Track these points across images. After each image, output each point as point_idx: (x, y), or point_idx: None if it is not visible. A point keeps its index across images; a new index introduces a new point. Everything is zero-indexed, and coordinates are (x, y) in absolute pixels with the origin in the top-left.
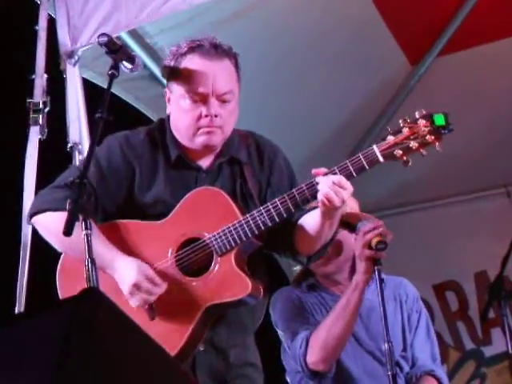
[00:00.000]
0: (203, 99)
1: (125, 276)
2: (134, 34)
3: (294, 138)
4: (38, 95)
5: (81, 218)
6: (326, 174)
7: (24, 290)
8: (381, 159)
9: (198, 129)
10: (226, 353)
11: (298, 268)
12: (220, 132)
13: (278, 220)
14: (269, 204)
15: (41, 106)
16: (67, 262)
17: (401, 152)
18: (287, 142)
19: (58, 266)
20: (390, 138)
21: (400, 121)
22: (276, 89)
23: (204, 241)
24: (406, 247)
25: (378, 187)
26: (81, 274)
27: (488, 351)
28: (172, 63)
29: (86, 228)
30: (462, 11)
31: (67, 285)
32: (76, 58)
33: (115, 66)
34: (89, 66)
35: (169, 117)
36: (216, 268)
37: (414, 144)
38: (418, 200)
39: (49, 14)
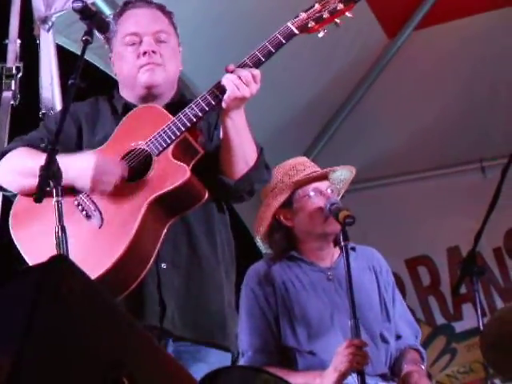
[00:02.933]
0: (139, 39)
1: (84, 174)
2: (108, 0)
3: (268, 109)
4: (11, 60)
5: (51, 184)
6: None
7: None
8: (296, 31)
9: (140, 68)
10: (188, 273)
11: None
12: (161, 70)
13: (207, 109)
14: (198, 98)
15: (14, 71)
16: (20, 208)
17: (314, 23)
18: (261, 112)
19: (11, 216)
20: (303, 14)
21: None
22: None
23: (140, 147)
24: (379, 221)
25: (351, 161)
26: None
27: (459, 327)
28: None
29: (57, 195)
30: None
31: (25, 233)
32: (50, 23)
33: (89, 33)
34: (63, 32)
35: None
36: (155, 166)
37: (326, 14)
38: (391, 174)
39: None
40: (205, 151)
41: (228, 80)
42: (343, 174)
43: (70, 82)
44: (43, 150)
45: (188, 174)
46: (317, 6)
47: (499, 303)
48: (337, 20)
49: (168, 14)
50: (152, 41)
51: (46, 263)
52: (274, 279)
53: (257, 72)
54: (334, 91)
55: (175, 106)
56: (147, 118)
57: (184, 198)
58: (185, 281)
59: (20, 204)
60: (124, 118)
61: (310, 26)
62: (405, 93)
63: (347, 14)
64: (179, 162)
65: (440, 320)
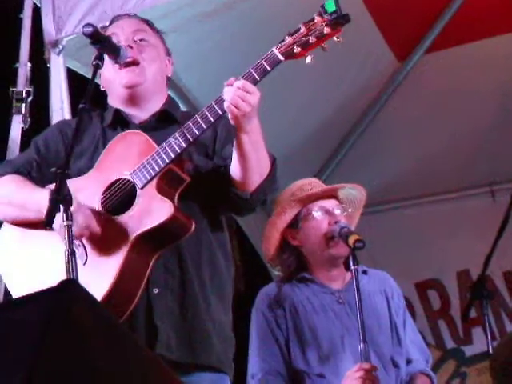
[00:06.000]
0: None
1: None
2: None
3: (279, 133)
4: (22, 84)
5: (61, 208)
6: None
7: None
8: (281, 58)
9: (119, 69)
10: (182, 296)
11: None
12: (139, 71)
13: (191, 139)
14: (182, 128)
15: (24, 95)
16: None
17: (300, 49)
18: (273, 134)
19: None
20: (289, 39)
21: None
22: (261, 83)
23: (125, 178)
24: (389, 245)
25: (361, 184)
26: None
27: (469, 351)
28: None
29: (67, 219)
30: (450, 8)
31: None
32: (60, 47)
33: (100, 57)
34: (73, 56)
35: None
36: (140, 200)
37: (312, 39)
38: (401, 198)
39: (34, 3)
40: (204, 171)
41: (227, 103)
42: (352, 193)
43: (80, 107)
44: (30, 178)
45: (172, 210)
46: (302, 28)
47: (509, 327)
48: (323, 45)
49: (148, 23)
50: (129, 38)
51: (56, 288)
52: (284, 302)
53: (242, 83)
54: (345, 114)
55: (163, 117)
56: (132, 146)
57: (170, 233)
58: (178, 304)
59: (6, 233)
60: (109, 144)
61: (295, 51)
62: (415, 116)
63: (335, 38)
64: (164, 198)
65: (450, 344)
